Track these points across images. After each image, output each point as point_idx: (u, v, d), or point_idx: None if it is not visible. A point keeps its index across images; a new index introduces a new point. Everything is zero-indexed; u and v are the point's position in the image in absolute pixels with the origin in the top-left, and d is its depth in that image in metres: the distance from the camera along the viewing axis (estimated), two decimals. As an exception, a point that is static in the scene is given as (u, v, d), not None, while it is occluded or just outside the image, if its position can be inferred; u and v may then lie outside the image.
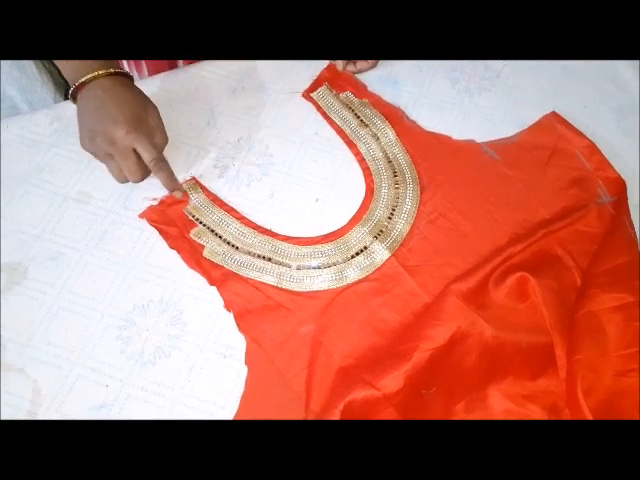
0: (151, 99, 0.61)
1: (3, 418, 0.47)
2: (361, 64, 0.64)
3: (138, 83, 0.65)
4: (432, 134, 0.60)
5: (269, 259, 0.54)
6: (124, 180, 0.55)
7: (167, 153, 0.59)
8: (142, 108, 0.55)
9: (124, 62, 0.70)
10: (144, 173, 0.55)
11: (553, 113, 0.61)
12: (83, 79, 0.54)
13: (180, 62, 0.70)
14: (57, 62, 0.57)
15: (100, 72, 0.54)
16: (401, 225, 0.55)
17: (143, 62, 0.70)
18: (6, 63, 0.85)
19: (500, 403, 0.47)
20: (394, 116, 0.61)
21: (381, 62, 0.65)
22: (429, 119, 0.61)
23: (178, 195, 0.55)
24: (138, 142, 0.53)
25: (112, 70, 0.55)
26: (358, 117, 0.61)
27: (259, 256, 0.54)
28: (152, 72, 0.69)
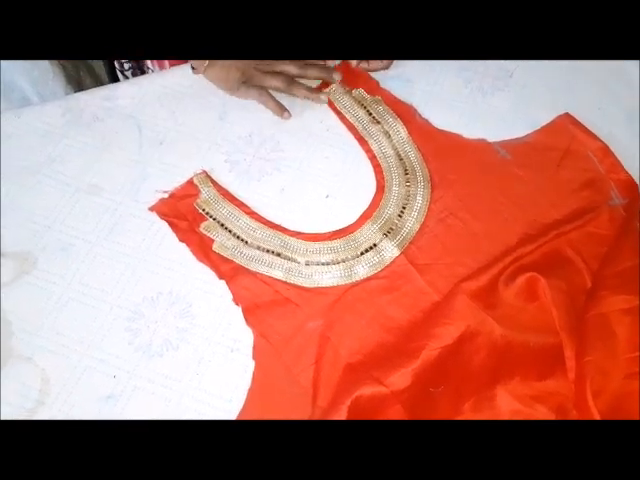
0: (163, 92, 0.62)
1: (12, 406, 0.47)
2: (374, 63, 0.63)
3: (152, 75, 0.66)
4: (444, 133, 0.60)
5: (278, 254, 0.54)
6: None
7: (178, 146, 0.60)
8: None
9: None
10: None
11: (566, 114, 0.60)
12: None
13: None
14: None
15: None
16: (411, 223, 0.55)
17: None
18: (18, 55, 0.85)
19: (508, 403, 0.47)
20: (406, 114, 0.61)
21: (395, 61, 0.65)
22: (441, 118, 0.61)
23: (337, 77, 0.61)
24: (280, 65, 0.60)
25: None
26: (370, 114, 0.61)
27: (268, 251, 0.54)
28: (172, 64, 0.69)
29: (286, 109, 0.60)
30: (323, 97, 0.61)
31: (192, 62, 0.61)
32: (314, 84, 0.63)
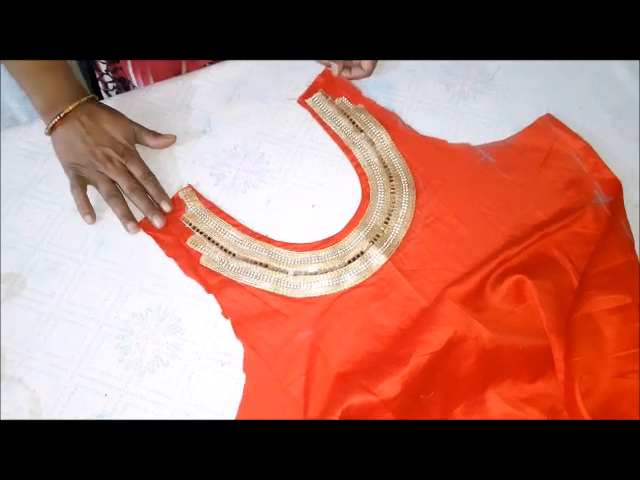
0: (147, 108, 0.62)
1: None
2: (356, 71, 0.64)
3: (135, 91, 0.66)
4: (427, 138, 0.60)
5: (266, 265, 0.54)
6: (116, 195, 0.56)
7: (163, 161, 0.60)
8: (128, 127, 0.59)
9: (130, 72, 0.71)
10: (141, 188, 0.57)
11: (548, 115, 0.61)
12: (70, 107, 0.57)
13: (184, 70, 0.71)
14: (30, 93, 0.59)
15: (82, 99, 0.58)
16: (397, 229, 0.55)
17: (149, 71, 0.70)
18: (6, 73, 0.85)
19: (499, 406, 0.47)
20: (389, 121, 0.61)
21: (376, 68, 0.65)
22: (424, 123, 0.61)
23: (166, 208, 0.56)
24: (131, 161, 0.57)
25: (89, 96, 0.59)
26: (353, 122, 0.61)
27: (256, 263, 0.54)
28: (157, 80, 0.70)
29: (133, 220, 0.55)
30: (157, 222, 0.55)
31: (43, 119, 0.58)
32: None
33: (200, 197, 0.58)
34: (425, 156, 0.59)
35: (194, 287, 0.53)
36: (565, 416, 0.47)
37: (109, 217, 0.56)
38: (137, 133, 0.59)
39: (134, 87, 0.72)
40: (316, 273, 0.53)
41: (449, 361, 0.47)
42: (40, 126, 0.62)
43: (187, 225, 0.56)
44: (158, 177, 0.58)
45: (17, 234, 0.56)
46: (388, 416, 0.45)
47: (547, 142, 0.59)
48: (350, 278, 0.53)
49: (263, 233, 0.56)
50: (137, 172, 0.57)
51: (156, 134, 0.59)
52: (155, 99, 0.64)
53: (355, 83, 0.64)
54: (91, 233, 0.56)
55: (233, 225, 0.56)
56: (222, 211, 0.57)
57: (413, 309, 0.51)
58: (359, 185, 0.58)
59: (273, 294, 0.52)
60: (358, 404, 0.45)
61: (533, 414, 0.47)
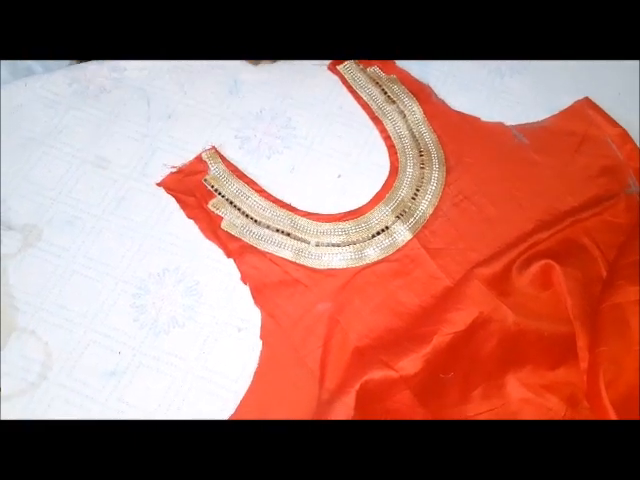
0: (173, 64, 0.60)
1: (15, 379, 0.47)
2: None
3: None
4: (461, 114, 0.58)
5: (288, 234, 0.53)
6: None
7: (187, 120, 0.58)
8: None
9: None
10: None
11: (585, 99, 0.59)
12: None
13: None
14: None
15: None
16: (425, 206, 0.54)
17: None
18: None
19: (518, 391, 0.46)
20: (422, 93, 0.59)
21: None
22: (458, 98, 0.60)
23: None
24: None
25: None
26: (385, 93, 0.59)
27: (278, 230, 0.53)
28: None
29: None
30: None
31: None
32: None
33: (223, 159, 0.56)
34: (458, 132, 0.57)
35: (214, 250, 0.52)
36: (584, 405, 0.46)
37: (130, 173, 0.55)
38: None
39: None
40: (339, 245, 0.52)
41: (471, 342, 0.46)
42: (61, 76, 0.61)
43: (209, 187, 0.55)
44: (181, 136, 0.57)
45: (35, 185, 0.55)
46: (406, 393, 0.45)
47: (583, 126, 0.58)
48: (373, 253, 0.52)
49: (286, 201, 0.55)
50: None
51: None
52: (182, 55, 0.62)
53: (389, 53, 0.62)
54: (111, 190, 0.55)
55: (256, 190, 0.55)
56: (245, 175, 0.56)
57: (436, 288, 0.50)
58: (387, 158, 0.57)
59: (294, 263, 0.51)
60: (377, 379, 0.44)
61: (552, 401, 0.46)
